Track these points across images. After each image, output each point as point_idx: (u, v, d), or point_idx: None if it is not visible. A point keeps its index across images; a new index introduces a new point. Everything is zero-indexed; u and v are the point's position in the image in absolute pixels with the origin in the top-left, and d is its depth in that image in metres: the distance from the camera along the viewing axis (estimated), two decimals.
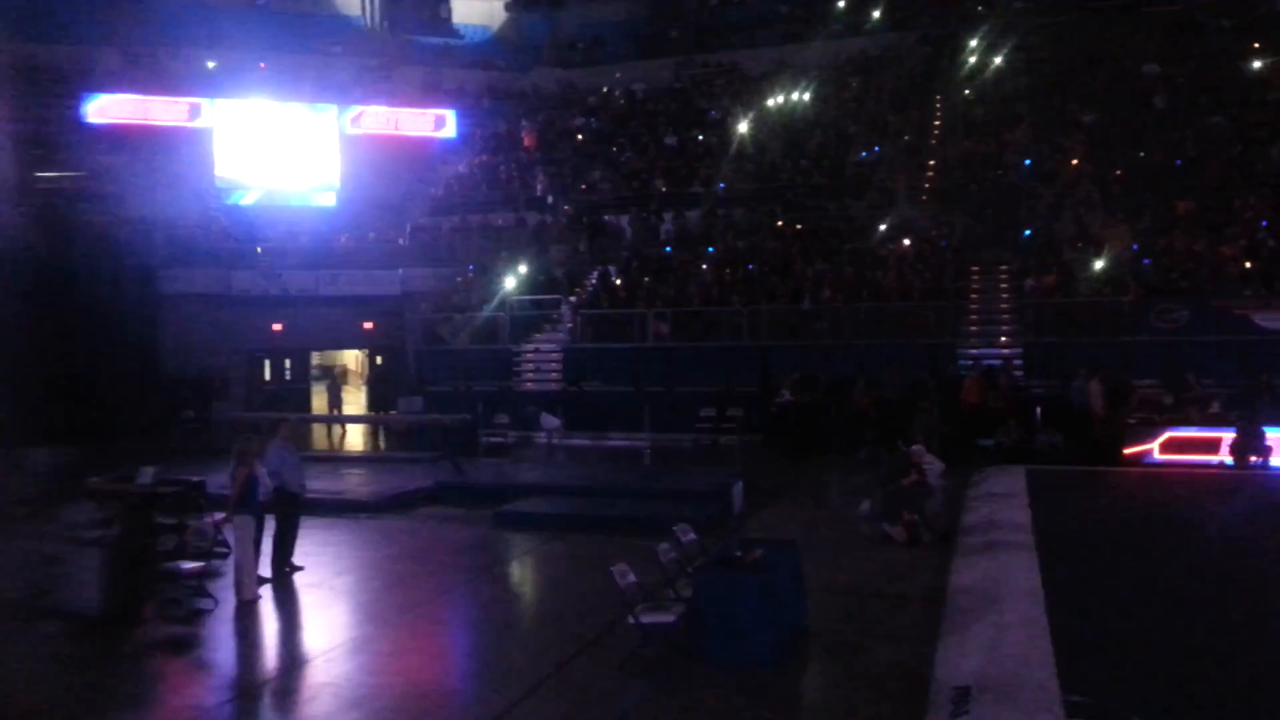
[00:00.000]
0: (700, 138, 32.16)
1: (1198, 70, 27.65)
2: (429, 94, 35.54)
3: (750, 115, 31.18)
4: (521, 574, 12.14)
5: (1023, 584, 9.60)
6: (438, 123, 32.90)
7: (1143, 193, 23.72)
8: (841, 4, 35.43)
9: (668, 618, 8.14)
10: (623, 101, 36.01)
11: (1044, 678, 7.01)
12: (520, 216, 30.69)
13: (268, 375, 28.02)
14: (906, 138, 28.88)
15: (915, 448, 14.46)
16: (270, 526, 11.36)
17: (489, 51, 40.37)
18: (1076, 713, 6.41)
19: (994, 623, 8.43)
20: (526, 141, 34.50)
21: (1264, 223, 21.93)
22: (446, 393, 24.04)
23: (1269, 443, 16.89)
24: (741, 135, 30.52)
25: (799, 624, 8.72)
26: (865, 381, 19.87)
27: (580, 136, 34.48)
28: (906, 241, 24.50)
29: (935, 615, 9.05)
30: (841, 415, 19.83)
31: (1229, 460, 17.02)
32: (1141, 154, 25.11)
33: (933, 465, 16.03)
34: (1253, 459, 16.80)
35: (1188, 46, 28.77)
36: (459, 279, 28.01)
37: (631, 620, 8.05)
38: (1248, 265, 20.97)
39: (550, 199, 31.04)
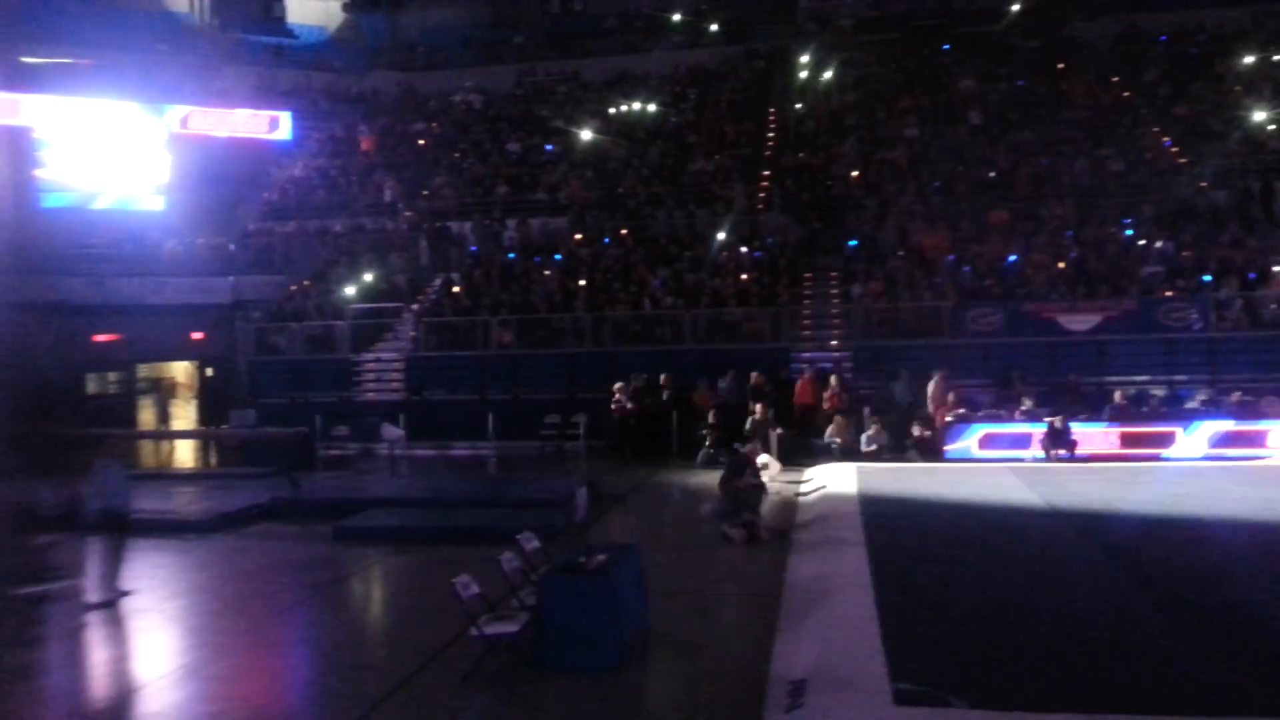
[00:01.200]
0: (543, 145, 32.25)
1: (1009, 88, 29.53)
2: (263, 95, 34.33)
3: (592, 124, 31.46)
4: (363, 590, 11.92)
5: (854, 578, 10.09)
6: (272, 124, 31.77)
7: (961, 203, 25.19)
8: (679, 17, 36.17)
9: (511, 627, 8.18)
10: (465, 107, 35.72)
11: (873, 667, 7.37)
12: (359, 222, 30.03)
13: (92, 389, 26.47)
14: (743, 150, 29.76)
15: (751, 448, 14.97)
16: (98, 549, 10.81)
17: (325, 53, 39.31)
18: (903, 699, 6.76)
19: (827, 616, 8.82)
20: (365, 145, 33.80)
21: (1069, 232, 23.63)
22: (282, 405, 23.30)
23: (1074, 437, 18.30)
24: (584, 143, 30.78)
25: (642, 627, 8.90)
26: (703, 386, 20.48)
27: (422, 142, 34.02)
28: (744, 249, 25.26)
29: (773, 612, 9.37)
30: (684, 419, 20.34)
31: (1039, 454, 18.32)
32: (960, 166, 26.63)
33: (769, 466, 16.67)
34: (1060, 452, 18.14)
35: (1000, 66, 30.69)
36: (294, 286, 27.19)
37: (475, 632, 8.05)
38: (1059, 268, 22.59)
39: (392, 204, 30.50)
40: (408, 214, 29.75)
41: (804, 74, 32.28)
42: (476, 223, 28.85)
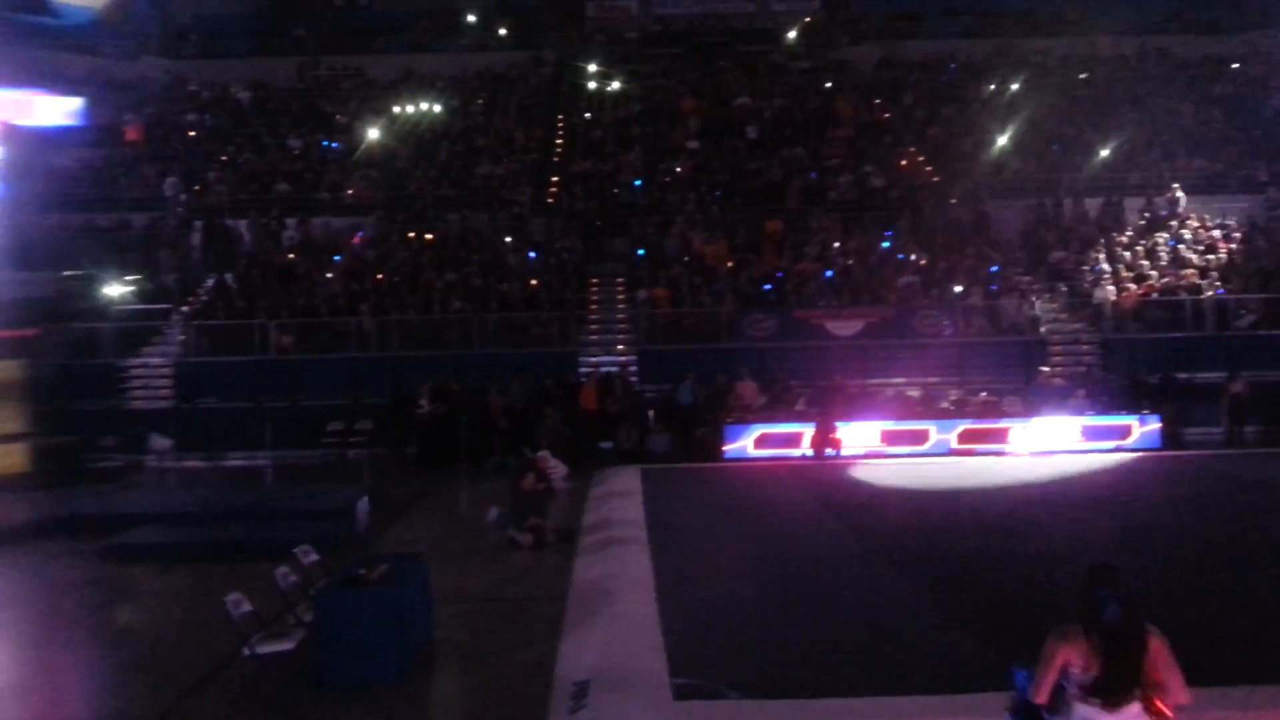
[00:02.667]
0: (326, 142, 31.28)
1: (782, 105, 31.10)
2: (20, 76, 31.43)
3: (378, 122, 30.80)
4: (132, 611, 11.26)
5: (637, 577, 10.46)
6: (34, 109, 29.04)
7: (739, 213, 26.37)
8: (470, 19, 35.93)
9: (286, 645, 8.00)
10: (238, 100, 34.13)
11: (655, 665, 7.65)
12: (126, 218, 28.14)
13: None
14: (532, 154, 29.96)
15: (540, 453, 15.19)
16: None
17: (91, 35, 36.47)
18: (682, 694, 7.07)
19: (610, 617, 9.07)
20: (132, 135, 31.64)
21: (836, 244, 25.17)
22: (41, 413, 21.53)
23: (839, 436, 19.54)
24: (369, 142, 30.09)
25: (427, 636, 8.92)
26: (495, 390, 20.49)
27: (193, 133, 32.24)
28: (532, 254, 25.45)
29: (559, 614, 9.56)
30: (473, 424, 20.27)
31: (809, 452, 19.46)
32: (737, 179, 27.84)
33: (556, 469, 16.92)
34: (827, 450, 19.33)
35: (774, 84, 32.29)
36: (55, 286, 25.11)
37: (247, 652, 7.84)
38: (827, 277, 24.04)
39: (161, 199, 28.68)
40: (179, 209, 28.11)
41: (592, 83, 32.84)
42: (253, 221, 27.62)
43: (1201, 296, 23.41)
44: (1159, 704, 4.33)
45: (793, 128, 29.88)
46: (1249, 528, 13.00)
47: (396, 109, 32.05)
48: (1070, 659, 4.35)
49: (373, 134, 30.19)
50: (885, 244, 25.52)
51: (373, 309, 23.25)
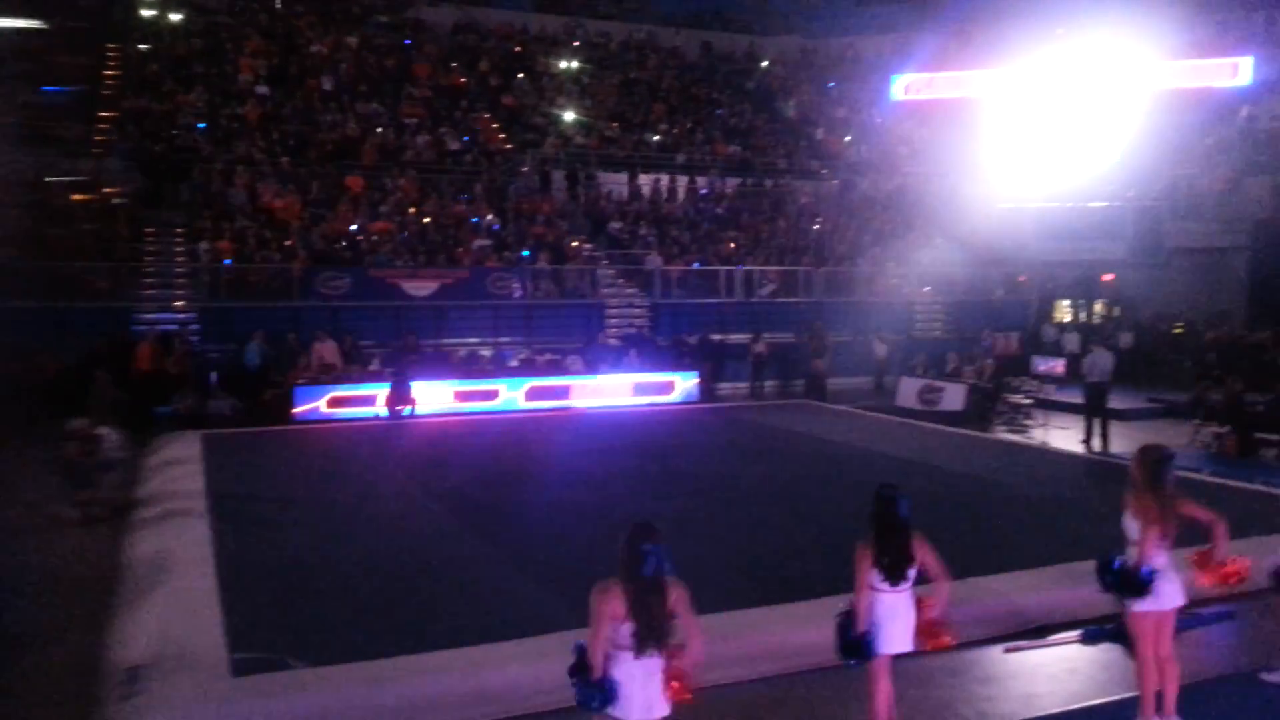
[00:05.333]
0: None
1: (359, 59, 30.51)
2: None
3: None
4: None
5: (196, 551, 10.17)
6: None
7: (313, 167, 25.65)
8: None
9: None
10: None
11: (214, 641, 7.53)
12: None
13: None
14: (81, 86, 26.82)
15: (82, 421, 14.07)
16: None
17: None
18: (241, 668, 6.99)
19: (168, 595, 8.74)
20: None
21: (411, 209, 25.36)
22: None
23: (414, 395, 19.99)
24: None
25: None
26: (47, 350, 18.43)
27: None
28: (79, 196, 22.95)
29: (113, 594, 9.12)
30: (26, 387, 18.08)
31: (383, 412, 19.71)
32: (312, 130, 27.00)
33: (108, 437, 15.73)
34: (401, 409, 19.71)
35: (351, 36, 31.50)
36: None
37: None
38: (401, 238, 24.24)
39: None
40: None
41: (148, 11, 29.96)
42: None
43: (732, 268, 26.76)
44: (679, 668, 4.90)
45: (369, 83, 29.47)
46: (774, 466, 15.37)
47: None
48: (615, 612, 4.71)
49: None
50: (462, 207, 26.21)
51: None
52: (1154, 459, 6.17)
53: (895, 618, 5.81)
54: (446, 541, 10.97)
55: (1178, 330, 27.30)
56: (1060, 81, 31.11)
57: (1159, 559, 6.08)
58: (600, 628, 4.75)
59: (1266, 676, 7.15)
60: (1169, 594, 6.11)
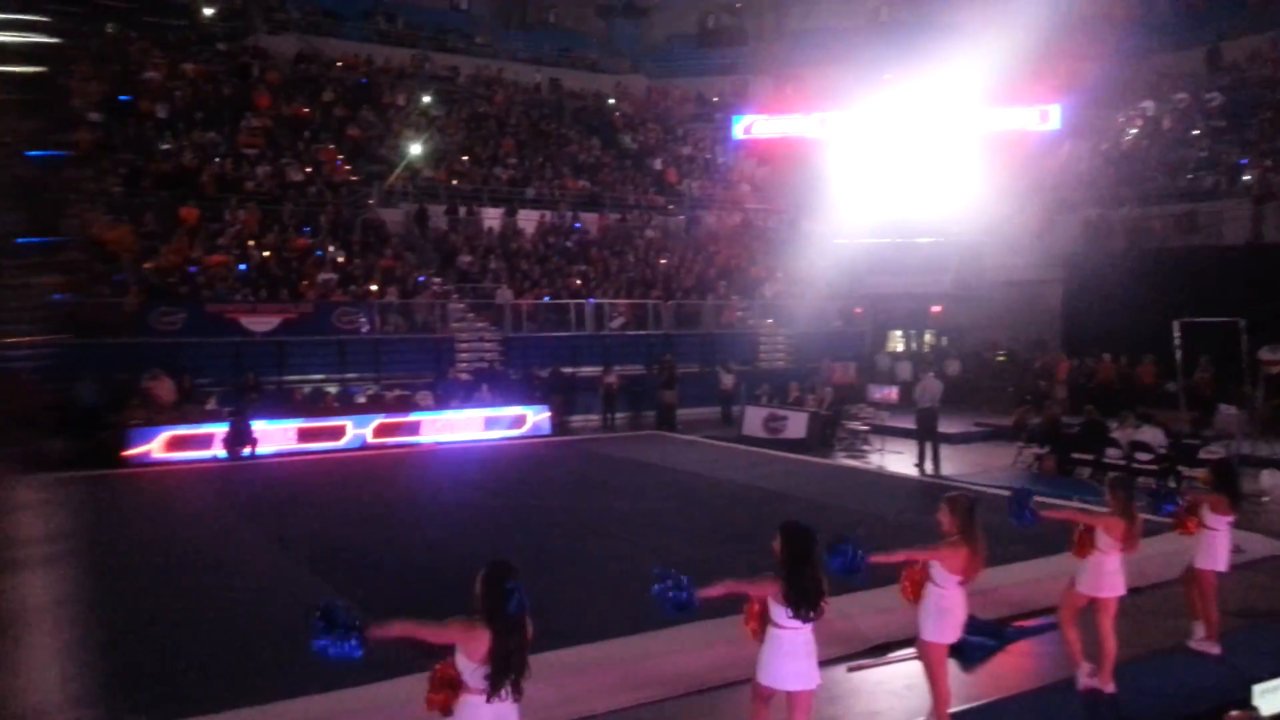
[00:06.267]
0: None
1: (197, 86, 29.49)
2: None
3: None
4: None
5: (18, 601, 9.70)
6: None
7: (146, 197, 24.60)
8: None
9: None
10: None
11: (39, 697, 7.25)
12: None
13: None
14: None
15: None
16: None
17: None
18: None
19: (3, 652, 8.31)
20: None
21: (251, 241, 24.60)
22: None
23: (256, 434, 19.41)
24: None
25: None
26: None
27: None
28: None
29: None
30: None
31: (222, 453, 19.05)
32: (146, 159, 25.91)
33: None
34: (241, 450, 19.10)
35: (188, 63, 30.42)
36: None
37: None
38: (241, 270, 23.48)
39: None
40: None
41: None
42: None
43: (582, 301, 27.07)
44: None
45: (206, 111, 28.52)
46: (626, 497, 15.53)
47: None
48: (475, 653, 4.66)
49: None
50: (304, 240, 25.60)
51: None
52: (965, 506, 6.71)
53: (795, 657, 5.78)
54: (288, 587, 10.57)
55: (1000, 358, 29.13)
56: (889, 124, 32.95)
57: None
58: (437, 639, 4.74)
59: (1085, 680, 7.68)
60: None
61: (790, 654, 5.76)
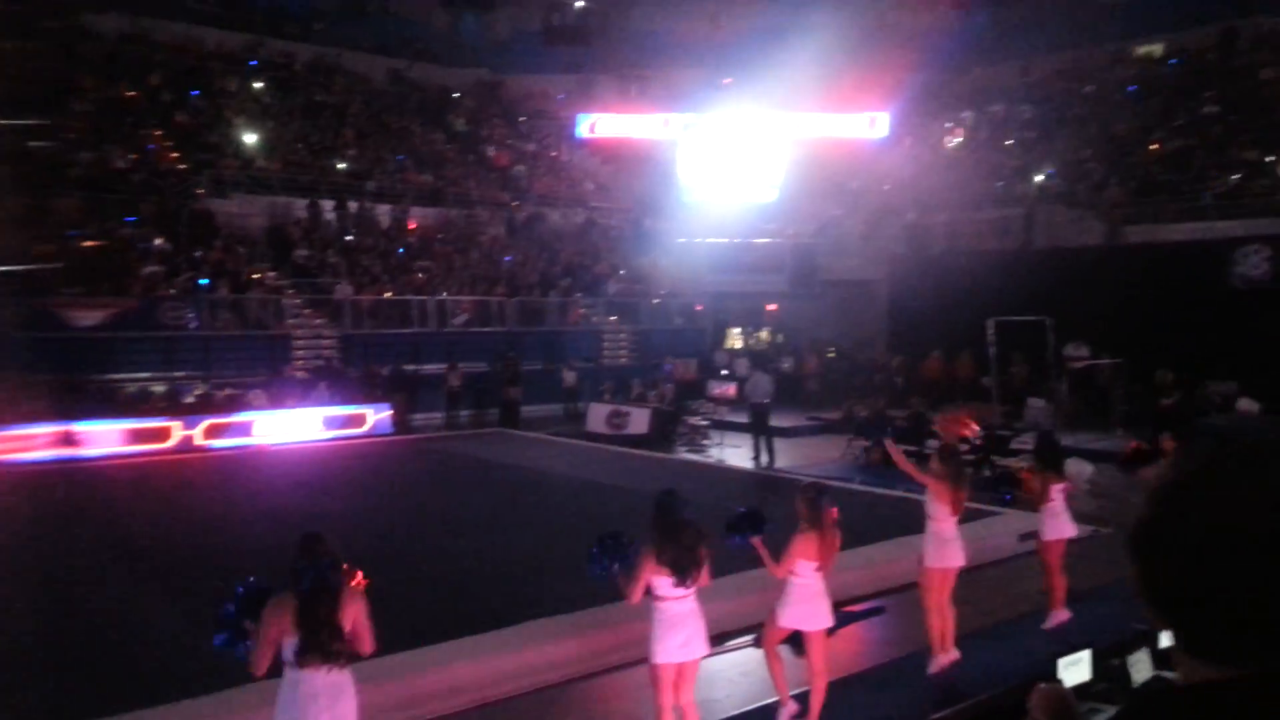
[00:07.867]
0: None
1: (18, 68, 27.54)
2: None
3: None
4: None
5: None
6: None
7: None
8: None
9: None
10: None
11: None
12: None
13: None
14: None
15: None
16: None
17: None
18: None
19: None
20: None
21: (72, 232, 23.25)
22: None
23: (79, 436, 18.51)
24: None
25: None
26: None
27: None
28: None
29: None
30: None
31: (44, 456, 18.09)
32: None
33: None
34: (65, 453, 18.17)
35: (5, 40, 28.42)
36: None
37: None
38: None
39: None
40: None
41: None
42: None
43: (425, 298, 26.82)
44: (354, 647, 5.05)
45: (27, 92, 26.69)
46: (469, 496, 15.64)
47: None
48: (284, 627, 4.81)
49: None
50: (128, 230, 24.41)
51: None
52: (810, 495, 6.93)
53: (681, 626, 5.81)
54: (117, 596, 10.31)
55: (830, 354, 30.47)
56: (729, 127, 33.90)
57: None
58: (263, 643, 4.86)
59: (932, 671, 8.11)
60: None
61: (678, 624, 5.82)
